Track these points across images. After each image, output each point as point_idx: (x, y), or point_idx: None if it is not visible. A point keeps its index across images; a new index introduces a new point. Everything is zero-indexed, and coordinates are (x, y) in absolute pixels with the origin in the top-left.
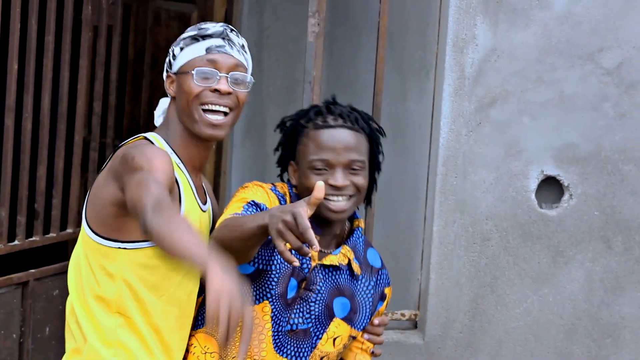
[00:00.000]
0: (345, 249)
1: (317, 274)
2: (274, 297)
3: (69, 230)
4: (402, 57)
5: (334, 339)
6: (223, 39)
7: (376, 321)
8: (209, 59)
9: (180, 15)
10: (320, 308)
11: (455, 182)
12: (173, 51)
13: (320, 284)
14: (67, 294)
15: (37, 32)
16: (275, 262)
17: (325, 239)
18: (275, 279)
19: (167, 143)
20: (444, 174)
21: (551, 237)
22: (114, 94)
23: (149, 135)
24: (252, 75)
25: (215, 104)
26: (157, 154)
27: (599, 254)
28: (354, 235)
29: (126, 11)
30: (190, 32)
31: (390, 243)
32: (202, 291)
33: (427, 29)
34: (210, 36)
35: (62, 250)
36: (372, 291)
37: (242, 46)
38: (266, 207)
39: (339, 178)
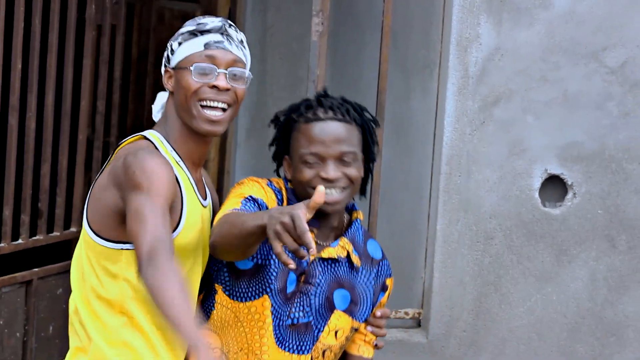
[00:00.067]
0: (344, 241)
1: (316, 267)
2: (273, 292)
3: (73, 229)
4: (405, 56)
5: (336, 332)
6: (222, 34)
7: (378, 313)
8: (208, 54)
9: (184, 14)
10: (320, 301)
11: (459, 181)
12: (171, 46)
13: (320, 277)
14: (71, 292)
15: (40, 31)
16: (274, 257)
17: (323, 232)
18: (275, 274)
19: (167, 140)
20: (447, 172)
21: (555, 236)
22: (117, 93)
23: (148, 134)
24: (252, 71)
25: (214, 100)
26: (156, 169)
27: (602, 253)
28: (353, 227)
29: (130, 10)
30: (188, 27)
31: (393, 242)
32: (202, 289)
33: (431, 28)
34: (208, 31)
35: (66, 249)
36: (372, 282)
37: (241, 41)
38: (263, 202)
39: (331, 171)
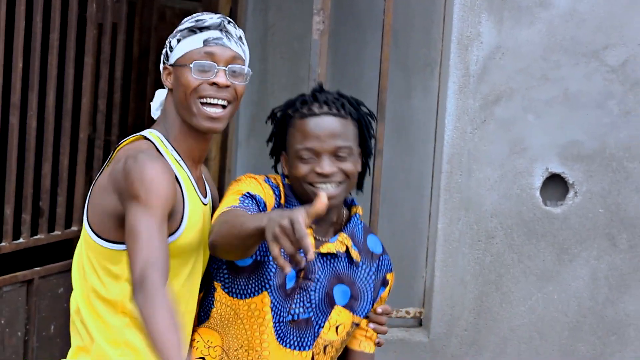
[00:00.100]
0: (343, 237)
1: (315, 263)
2: (272, 288)
3: (74, 228)
4: (406, 54)
5: (337, 327)
6: (220, 30)
7: (379, 309)
8: (207, 51)
9: (185, 13)
10: (320, 296)
11: (460, 180)
12: (170, 43)
13: (319, 273)
14: (72, 291)
15: (41, 30)
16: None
17: (322, 227)
18: (274, 270)
19: (167, 139)
20: (448, 171)
21: (556, 235)
22: (118, 92)
23: (148, 134)
24: (253, 70)
25: (214, 98)
26: (156, 178)
27: (603, 252)
28: (352, 222)
29: (131, 9)
30: (187, 23)
31: (395, 241)
32: (202, 287)
33: (432, 26)
34: (207, 28)
35: (67, 248)
36: (373, 277)
37: (240, 38)
38: (261, 198)
39: (325, 166)
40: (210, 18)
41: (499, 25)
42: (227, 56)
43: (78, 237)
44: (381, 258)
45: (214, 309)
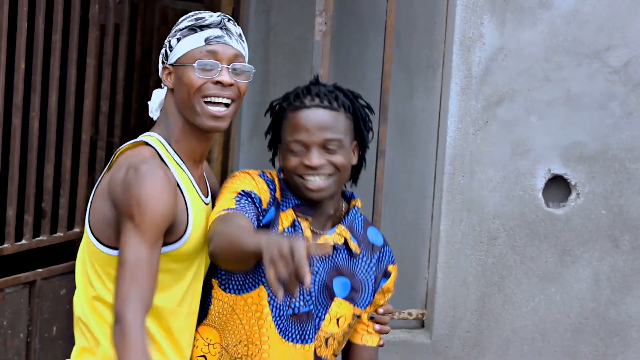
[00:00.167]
0: (341, 229)
1: (313, 255)
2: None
3: (76, 230)
4: (409, 55)
5: (337, 319)
6: (221, 28)
7: (381, 310)
8: (209, 50)
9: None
10: (319, 289)
11: (462, 181)
12: (169, 42)
13: (318, 265)
14: (74, 293)
15: (44, 31)
16: None
17: (319, 220)
18: None
19: (168, 142)
20: (451, 172)
21: (558, 236)
22: (121, 93)
23: (149, 139)
24: (255, 71)
25: (218, 96)
26: (153, 197)
27: (606, 253)
28: (350, 214)
29: (133, 10)
30: (186, 22)
31: (397, 242)
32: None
33: (434, 27)
34: (208, 26)
35: (70, 250)
36: (373, 269)
37: (240, 35)
38: (255, 194)
39: (314, 158)
40: (210, 16)
41: (501, 26)
42: (229, 54)
43: (80, 239)
44: (382, 249)
45: (212, 306)
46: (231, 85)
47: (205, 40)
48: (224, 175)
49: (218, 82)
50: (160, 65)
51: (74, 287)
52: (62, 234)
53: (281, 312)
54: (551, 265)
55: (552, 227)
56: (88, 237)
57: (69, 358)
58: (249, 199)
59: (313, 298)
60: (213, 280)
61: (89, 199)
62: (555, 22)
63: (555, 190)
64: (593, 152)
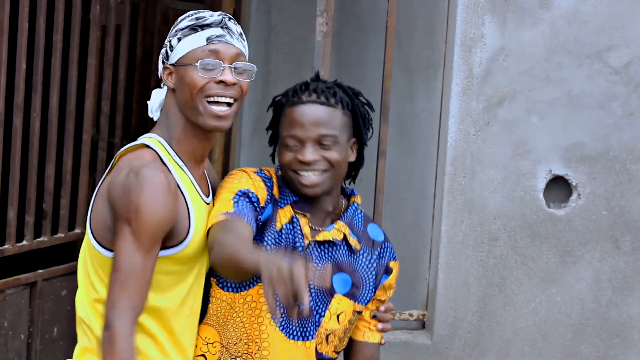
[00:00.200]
0: (339, 224)
1: (312, 252)
2: None
3: (77, 231)
4: (409, 56)
5: (338, 315)
6: (222, 27)
7: (382, 308)
8: (211, 49)
9: None
10: (319, 286)
11: (463, 182)
12: (170, 42)
13: (317, 261)
14: (75, 294)
15: (45, 32)
16: (265, 243)
17: (318, 216)
18: None
19: (169, 143)
20: (452, 173)
21: (559, 237)
22: (122, 94)
23: (150, 142)
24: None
25: (221, 96)
26: (152, 204)
27: (607, 254)
28: (349, 210)
29: (134, 10)
30: (186, 21)
31: (398, 243)
32: None
33: (435, 28)
34: (209, 25)
35: (71, 250)
36: (374, 265)
37: (240, 34)
38: (253, 193)
39: (307, 153)
40: (210, 15)
41: (502, 27)
42: (231, 53)
43: (81, 240)
44: (383, 245)
45: (210, 305)
46: (234, 84)
47: (207, 40)
48: (224, 175)
49: (221, 82)
50: (161, 65)
51: (74, 288)
52: (63, 235)
53: (280, 309)
54: (552, 266)
55: (553, 227)
56: (89, 239)
57: (71, 358)
58: (247, 199)
59: (313, 294)
60: (212, 279)
61: (90, 199)
62: (556, 23)
63: (556, 191)
64: (594, 152)
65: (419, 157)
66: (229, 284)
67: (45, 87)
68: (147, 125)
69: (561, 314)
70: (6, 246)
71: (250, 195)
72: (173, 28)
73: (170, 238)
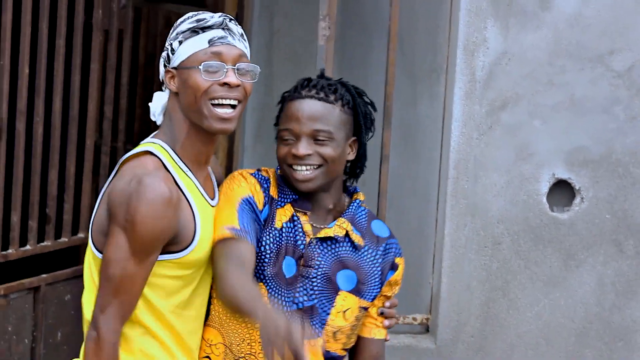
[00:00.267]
0: (341, 221)
1: (314, 249)
2: (267, 278)
3: (81, 235)
4: (412, 60)
5: (344, 312)
6: (223, 29)
7: (387, 304)
8: (214, 51)
9: None
10: (322, 283)
11: (466, 186)
12: (171, 45)
13: (319, 259)
14: (79, 299)
15: (48, 36)
16: (264, 243)
17: (319, 214)
18: (266, 260)
19: (173, 148)
20: (455, 177)
21: (562, 241)
22: (125, 98)
23: (154, 148)
24: (258, 75)
25: (225, 98)
26: (150, 214)
27: (610, 258)
28: (351, 207)
29: (137, 15)
30: (187, 24)
31: (401, 247)
32: None
33: (438, 32)
34: (210, 27)
35: (74, 255)
36: (379, 261)
37: (242, 35)
38: (252, 197)
39: (301, 147)
40: (211, 17)
41: (504, 30)
42: (234, 55)
43: (85, 244)
44: (388, 241)
45: (212, 307)
46: (238, 86)
47: (209, 42)
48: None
49: (225, 84)
50: (162, 69)
51: (78, 293)
52: (66, 240)
53: (284, 308)
54: (555, 269)
55: (557, 231)
56: (91, 250)
57: (77, 358)
58: (248, 206)
59: (317, 292)
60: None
61: (93, 204)
62: (559, 26)
63: (560, 194)
64: (597, 156)
65: (422, 161)
66: None
67: (48, 92)
68: (150, 129)
69: (564, 317)
70: (10, 251)
71: (251, 202)
72: (173, 31)
73: (174, 244)
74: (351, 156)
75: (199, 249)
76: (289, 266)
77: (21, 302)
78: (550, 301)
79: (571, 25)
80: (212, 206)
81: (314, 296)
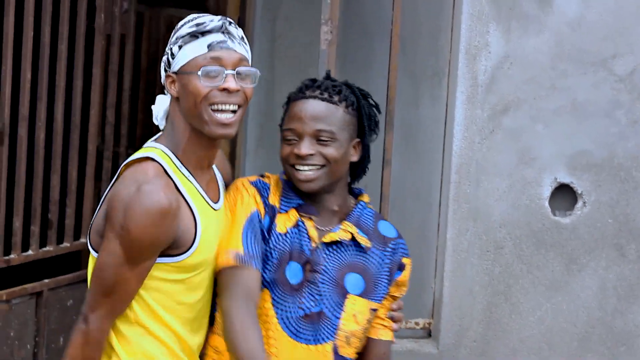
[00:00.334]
0: (346, 225)
1: (320, 254)
2: (271, 284)
3: (83, 240)
4: (414, 63)
5: (355, 316)
6: (223, 33)
7: (394, 306)
8: (213, 56)
9: None
10: (330, 288)
11: (468, 190)
12: (171, 50)
13: (325, 264)
14: (82, 304)
15: (50, 41)
16: (269, 248)
17: (324, 217)
18: (270, 267)
19: (175, 153)
20: (457, 181)
21: (565, 245)
22: (127, 103)
23: (156, 154)
24: (260, 79)
25: (225, 103)
26: (146, 222)
27: (612, 262)
28: (356, 209)
29: (139, 19)
30: (186, 28)
31: None
32: None
33: (440, 35)
34: (209, 32)
35: (76, 260)
36: (388, 261)
37: (242, 38)
38: (256, 211)
39: (303, 147)
40: (210, 21)
41: (507, 34)
42: (233, 59)
43: (87, 249)
44: (396, 242)
45: (217, 314)
46: (237, 91)
47: (208, 47)
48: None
49: (224, 89)
50: (163, 73)
51: (81, 298)
52: (68, 245)
53: (289, 314)
54: (557, 274)
55: (559, 235)
56: (91, 253)
57: None
58: (254, 223)
59: (323, 298)
60: (217, 288)
61: (95, 209)
62: (561, 30)
63: (562, 199)
64: (599, 160)
65: (424, 165)
66: None
67: (50, 97)
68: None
69: (567, 322)
70: (12, 256)
71: (257, 216)
72: (173, 35)
73: (173, 248)
74: (355, 158)
75: (199, 253)
76: (295, 272)
77: (23, 307)
78: (553, 305)
79: (573, 29)
80: (215, 209)
81: (320, 301)
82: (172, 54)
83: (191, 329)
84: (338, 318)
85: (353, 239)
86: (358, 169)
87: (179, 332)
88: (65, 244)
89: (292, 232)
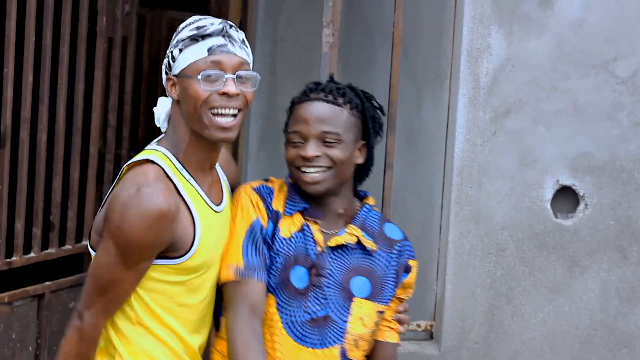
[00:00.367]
0: (351, 228)
1: (325, 258)
2: (276, 289)
3: (85, 243)
4: (416, 66)
5: (362, 319)
6: (223, 36)
7: (401, 308)
8: (213, 60)
9: None
10: (335, 291)
11: (470, 192)
12: (172, 53)
13: (331, 267)
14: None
15: (51, 44)
16: (273, 252)
17: (330, 220)
18: (273, 271)
19: (176, 156)
20: (459, 184)
21: (567, 247)
22: (129, 105)
23: (156, 157)
24: (262, 82)
25: (225, 107)
26: (143, 227)
27: (614, 264)
28: (361, 212)
29: (141, 22)
30: (187, 31)
31: None
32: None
33: (442, 38)
34: (210, 35)
35: (78, 262)
36: (394, 263)
37: (243, 41)
38: (258, 220)
39: (309, 149)
40: (211, 24)
41: (508, 37)
42: (234, 63)
43: (89, 251)
44: (402, 244)
45: (222, 318)
46: (237, 95)
47: (208, 51)
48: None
49: (224, 94)
50: (164, 76)
51: None
52: (70, 247)
53: (294, 318)
54: (560, 276)
55: (561, 238)
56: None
57: None
58: (255, 234)
59: (329, 301)
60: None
61: (97, 212)
62: (563, 33)
63: (564, 201)
64: (601, 162)
65: (426, 167)
66: None
67: (52, 100)
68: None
69: (569, 324)
70: (14, 258)
71: (258, 226)
72: (174, 38)
73: (171, 250)
74: (360, 160)
75: (199, 255)
76: (300, 276)
77: (25, 310)
78: (555, 308)
79: (575, 31)
80: (218, 212)
81: (326, 305)
82: (173, 57)
83: (193, 329)
84: (345, 321)
85: (359, 242)
86: (362, 172)
87: (180, 333)
88: (67, 247)
89: (296, 237)
